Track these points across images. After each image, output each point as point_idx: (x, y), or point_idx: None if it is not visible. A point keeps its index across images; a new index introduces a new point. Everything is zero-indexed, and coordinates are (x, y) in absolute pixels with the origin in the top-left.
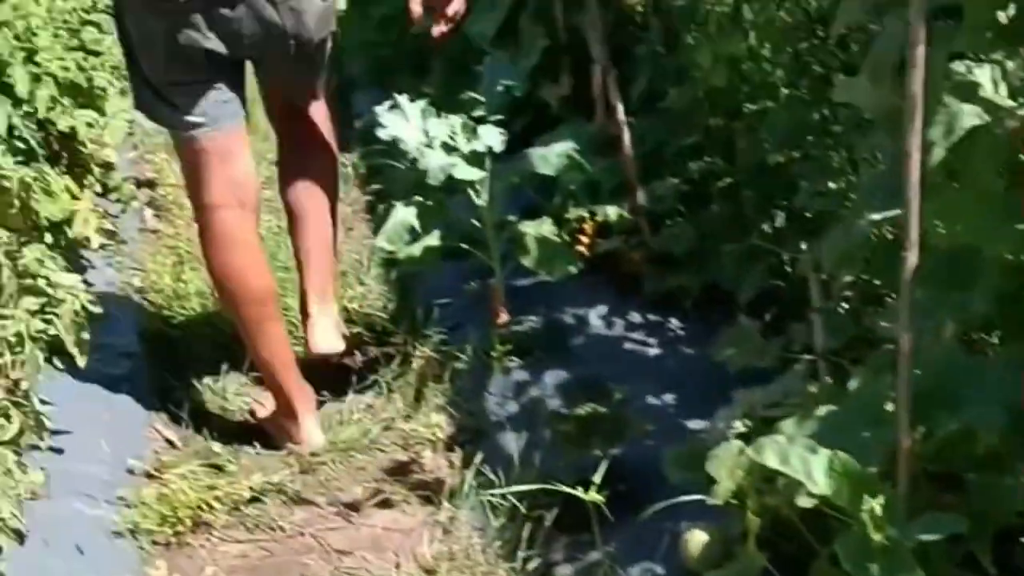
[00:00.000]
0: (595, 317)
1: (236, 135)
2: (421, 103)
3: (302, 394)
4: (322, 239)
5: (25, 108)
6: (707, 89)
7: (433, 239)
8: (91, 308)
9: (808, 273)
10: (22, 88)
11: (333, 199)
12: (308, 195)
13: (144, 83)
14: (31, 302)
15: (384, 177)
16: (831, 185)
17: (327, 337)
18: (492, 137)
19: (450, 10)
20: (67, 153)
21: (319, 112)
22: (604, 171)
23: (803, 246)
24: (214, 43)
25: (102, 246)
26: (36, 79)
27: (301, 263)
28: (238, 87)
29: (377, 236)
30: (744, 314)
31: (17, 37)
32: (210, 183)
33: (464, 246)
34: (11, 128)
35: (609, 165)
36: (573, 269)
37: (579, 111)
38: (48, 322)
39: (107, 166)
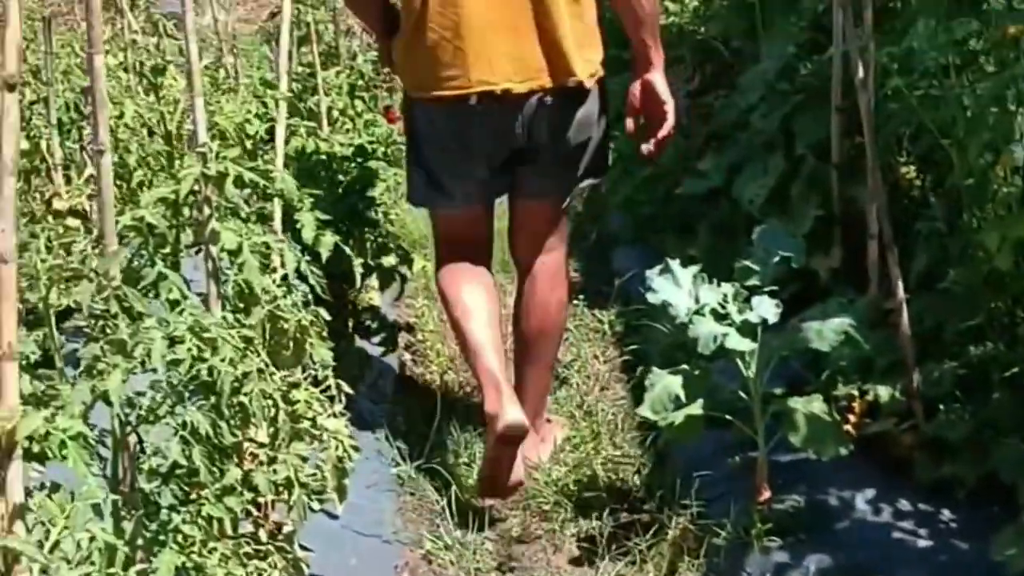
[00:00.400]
0: (861, 501)
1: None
2: (693, 269)
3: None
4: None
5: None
6: (991, 271)
7: (696, 408)
8: (354, 454)
9: None
10: (308, 234)
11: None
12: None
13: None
14: (301, 447)
15: (642, 337)
16: None
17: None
18: (767, 308)
19: (661, 133)
20: (334, 295)
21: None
22: (877, 349)
23: None
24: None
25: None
26: (321, 225)
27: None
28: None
29: (641, 404)
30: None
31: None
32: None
33: (728, 417)
34: (297, 271)
35: (882, 343)
36: (844, 451)
37: (848, 284)
38: (317, 467)
39: (372, 309)
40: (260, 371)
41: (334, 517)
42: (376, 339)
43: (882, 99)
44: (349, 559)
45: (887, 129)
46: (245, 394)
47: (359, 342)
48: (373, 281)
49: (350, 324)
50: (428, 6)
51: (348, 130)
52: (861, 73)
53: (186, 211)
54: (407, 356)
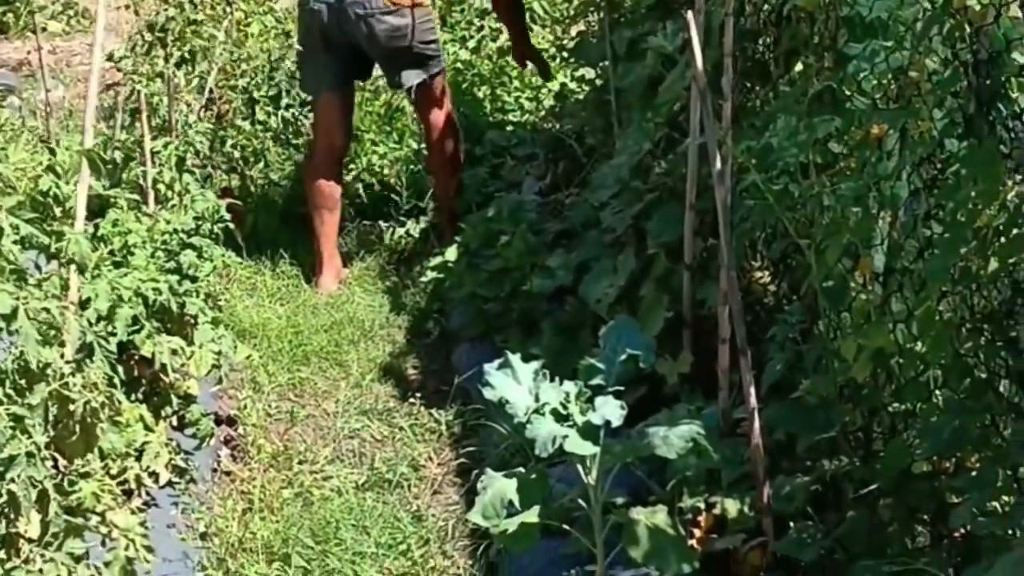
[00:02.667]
0: None
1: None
2: (534, 365)
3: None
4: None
5: (104, 327)
6: (847, 382)
7: (532, 515)
8: (146, 555)
9: None
10: (102, 304)
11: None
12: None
13: None
14: (78, 545)
15: (480, 439)
16: (993, 505)
17: None
18: (611, 411)
19: None
20: (147, 380)
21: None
22: (726, 459)
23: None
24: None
25: (170, 483)
26: (120, 298)
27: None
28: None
29: (472, 509)
30: None
31: (112, 252)
32: None
33: (565, 527)
34: (88, 346)
35: (732, 453)
36: (688, 568)
37: (697, 390)
38: (95, 569)
39: (188, 398)
40: (30, 455)
41: None
42: (190, 431)
43: (738, 196)
44: None
45: (742, 228)
46: (11, 481)
47: (172, 433)
48: (192, 368)
49: (163, 413)
50: None
51: (173, 206)
52: (719, 165)
53: None
54: (225, 451)
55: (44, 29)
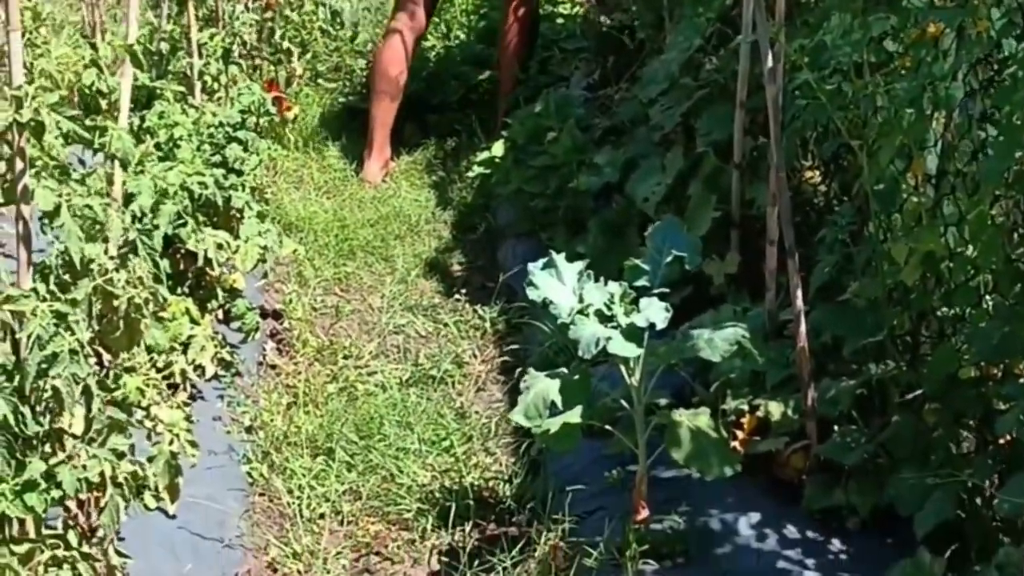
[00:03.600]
0: (746, 526)
1: None
2: (579, 265)
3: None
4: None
5: (147, 222)
6: (896, 285)
7: (574, 416)
8: (191, 449)
9: None
10: (145, 200)
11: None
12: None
13: None
14: (120, 441)
15: (524, 337)
16: None
17: None
18: (655, 312)
19: None
20: (193, 274)
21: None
22: (771, 362)
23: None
24: None
25: (216, 376)
26: (165, 193)
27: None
28: None
29: (515, 408)
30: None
31: (158, 146)
32: None
33: (607, 427)
34: (132, 242)
35: (777, 356)
36: (730, 471)
37: (743, 292)
38: (139, 464)
39: (233, 292)
40: (73, 352)
41: (171, 517)
42: (236, 324)
43: (789, 96)
44: (184, 564)
45: (793, 128)
46: (54, 377)
47: (217, 326)
48: (238, 262)
49: (209, 306)
50: None
51: (219, 98)
52: (770, 63)
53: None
54: (271, 344)
55: None
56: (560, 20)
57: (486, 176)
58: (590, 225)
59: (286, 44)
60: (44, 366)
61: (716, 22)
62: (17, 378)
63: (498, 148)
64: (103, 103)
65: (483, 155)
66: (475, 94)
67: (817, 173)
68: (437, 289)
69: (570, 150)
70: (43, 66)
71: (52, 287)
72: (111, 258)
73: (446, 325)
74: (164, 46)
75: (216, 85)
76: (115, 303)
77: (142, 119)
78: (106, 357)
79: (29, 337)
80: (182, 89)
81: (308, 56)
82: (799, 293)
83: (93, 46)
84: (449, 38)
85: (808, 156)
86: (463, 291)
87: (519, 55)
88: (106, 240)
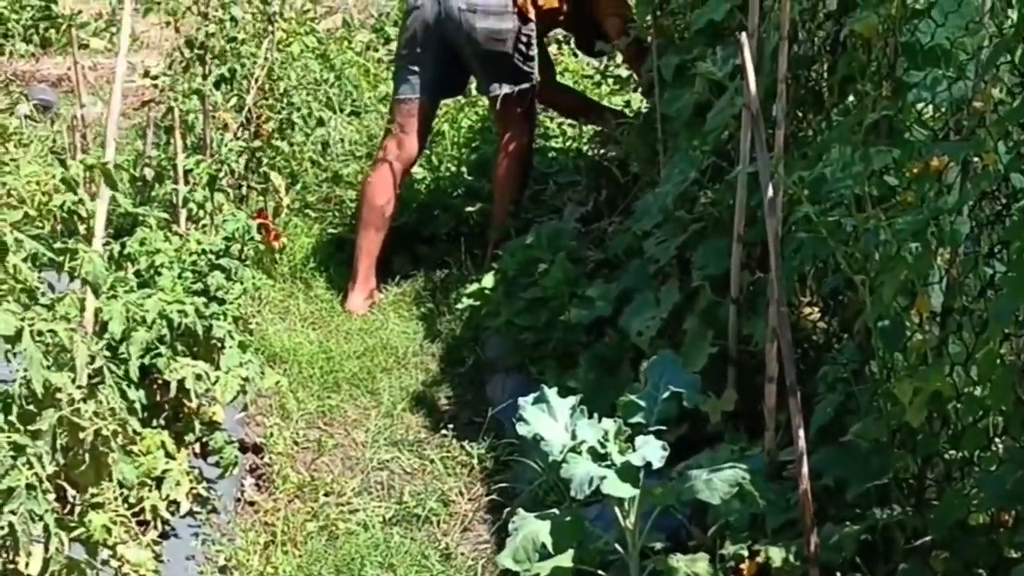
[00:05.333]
0: None
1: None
2: (572, 400)
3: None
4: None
5: (122, 351)
6: (900, 426)
7: (565, 560)
8: None
9: None
10: (116, 327)
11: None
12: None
13: None
14: None
15: (513, 474)
16: None
17: None
18: (652, 451)
19: None
20: (170, 406)
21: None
22: (771, 505)
23: None
24: None
25: (191, 512)
26: (139, 320)
27: None
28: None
29: (503, 550)
30: None
31: (139, 273)
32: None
33: (600, 573)
34: (100, 371)
35: (777, 498)
36: None
37: (740, 429)
38: None
39: (212, 424)
40: (31, 487)
41: None
42: (213, 458)
43: (788, 230)
44: None
45: (793, 262)
46: (10, 513)
47: (194, 460)
48: (217, 393)
49: (186, 439)
50: None
51: (205, 226)
52: (770, 193)
53: None
54: (249, 480)
55: (86, 46)
56: (552, 153)
57: (475, 308)
58: (582, 359)
59: (274, 174)
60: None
61: (712, 155)
62: None
63: (488, 280)
64: (81, 227)
65: (473, 287)
66: (465, 226)
67: (816, 309)
68: (423, 423)
69: (562, 283)
70: (9, 183)
71: (12, 417)
72: (79, 387)
73: (432, 461)
74: (149, 172)
75: (201, 212)
76: (81, 435)
77: (123, 245)
78: (71, 492)
79: None
80: (166, 216)
81: (297, 187)
82: (801, 433)
83: (63, 163)
84: (440, 170)
85: (807, 291)
86: (450, 426)
87: (511, 188)
88: (73, 369)
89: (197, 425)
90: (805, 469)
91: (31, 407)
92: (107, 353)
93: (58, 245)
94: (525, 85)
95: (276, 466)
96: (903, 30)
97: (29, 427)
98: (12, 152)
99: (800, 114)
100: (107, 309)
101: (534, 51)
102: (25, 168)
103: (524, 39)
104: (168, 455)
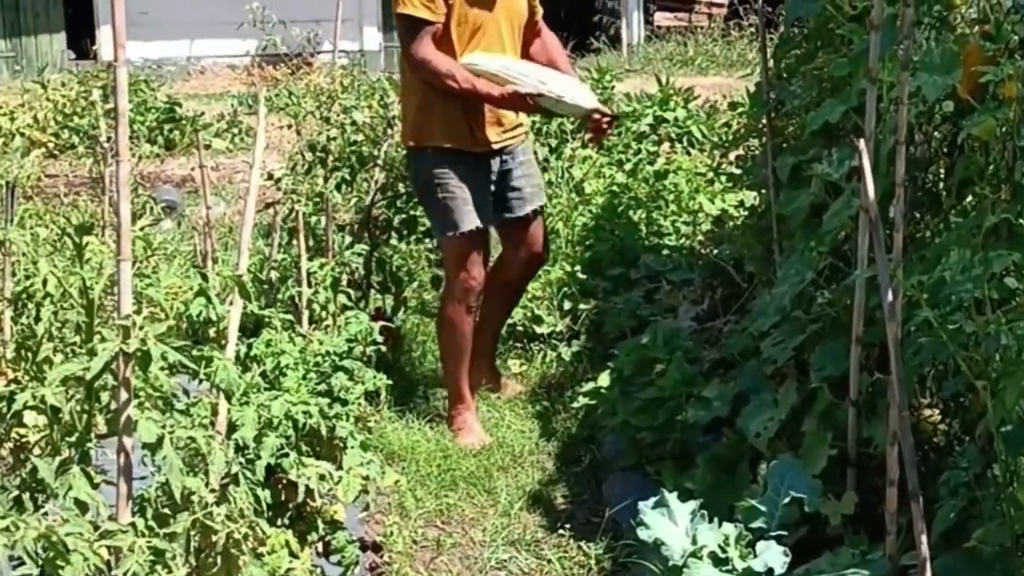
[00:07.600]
0: None
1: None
2: (692, 504)
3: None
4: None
5: (250, 453)
6: None
7: None
8: None
9: None
10: (248, 432)
11: None
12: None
13: None
14: None
15: None
16: None
17: None
18: (774, 557)
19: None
20: (294, 505)
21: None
22: None
23: None
24: None
25: None
26: (269, 424)
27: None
28: None
29: None
30: None
31: (264, 374)
32: None
33: None
34: (234, 475)
35: None
36: None
37: (860, 532)
38: None
39: (334, 524)
40: None
41: None
42: (335, 558)
43: (907, 333)
44: None
45: (912, 365)
46: None
47: (316, 559)
48: (340, 493)
49: (309, 539)
50: None
51: (327, 326)
52: (890, 298)
53: (104, 395)
54: None
55: (208, 146)
56: (666, 252)
57: (591, 407)
58: (699, 460)
59: (394, 274)
60: None
61: (828, 256)
62: None
63: (604, 379)
64: (211, 331)
65: (588, 386)
66: (579, 324)
67: (936, 411)
68: (540, 523)
69: (679, 383)
70: (151, 295)
71: (150, 521)
72: (211, 491)
73: (549, 561)
74: (274, 275)
75: (324, 313)
76: (213, 538)
77: (249, 347)
78: None
79: (125, 574)
80: (290, 317)
81: (414, 284)
82: (924, 539)
83: (203, 276)
84: (554, 268)
85: (926, 393)
86: (567, 526)
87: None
88: (207, 472)
89: (320, 524)
90: (929, 575)
91: (166, 510)
92: (238, 457)
93: (195, 353)
94: (438, 234)
95: (395, 564)
96: (1022, 133)
97: (164, 530)
98: (154, 265)
99: (917, 216)
100: (239, 413)
101: (439, 196)
102: (166, 280)
103: (420, 177)
104: (292, 554)
